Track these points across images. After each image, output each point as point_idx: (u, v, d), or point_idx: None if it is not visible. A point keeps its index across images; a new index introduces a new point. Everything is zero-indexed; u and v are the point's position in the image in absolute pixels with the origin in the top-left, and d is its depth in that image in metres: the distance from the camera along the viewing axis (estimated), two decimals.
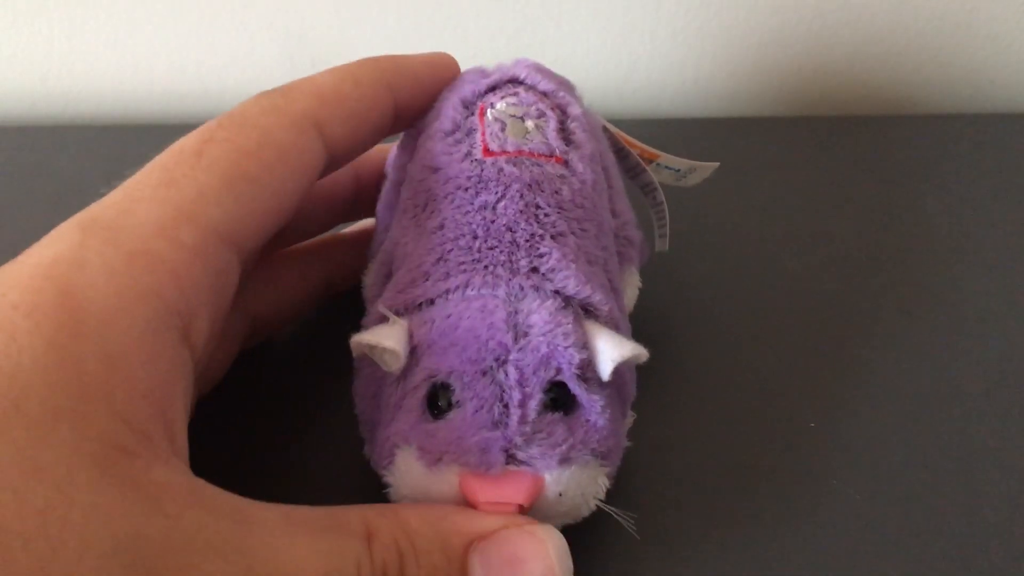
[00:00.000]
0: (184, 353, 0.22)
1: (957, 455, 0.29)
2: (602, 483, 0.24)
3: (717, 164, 0.34)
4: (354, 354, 0.24)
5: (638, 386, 0.27)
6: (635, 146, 0.32)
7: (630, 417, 0.27)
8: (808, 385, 0.32)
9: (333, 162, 0.27)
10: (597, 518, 0.24)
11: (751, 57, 0.50)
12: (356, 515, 0.21)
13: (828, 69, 0.50)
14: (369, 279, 0.29)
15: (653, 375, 0.28)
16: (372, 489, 0.24)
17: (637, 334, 0.27)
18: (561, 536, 0.22)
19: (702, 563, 0.26)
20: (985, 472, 0.29)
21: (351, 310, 0.28)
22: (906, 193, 0.42)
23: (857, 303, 0.36)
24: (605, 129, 0.31)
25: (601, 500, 0.24)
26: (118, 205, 0.22)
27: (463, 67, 0.30)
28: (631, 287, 0.31)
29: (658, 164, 0.33)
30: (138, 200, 0.22)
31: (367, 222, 0.35)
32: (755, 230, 0.40)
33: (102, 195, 0.23)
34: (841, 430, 0.30)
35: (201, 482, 0.20)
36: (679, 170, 0.34)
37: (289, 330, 0.34)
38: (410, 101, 0.28)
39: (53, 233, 0.22)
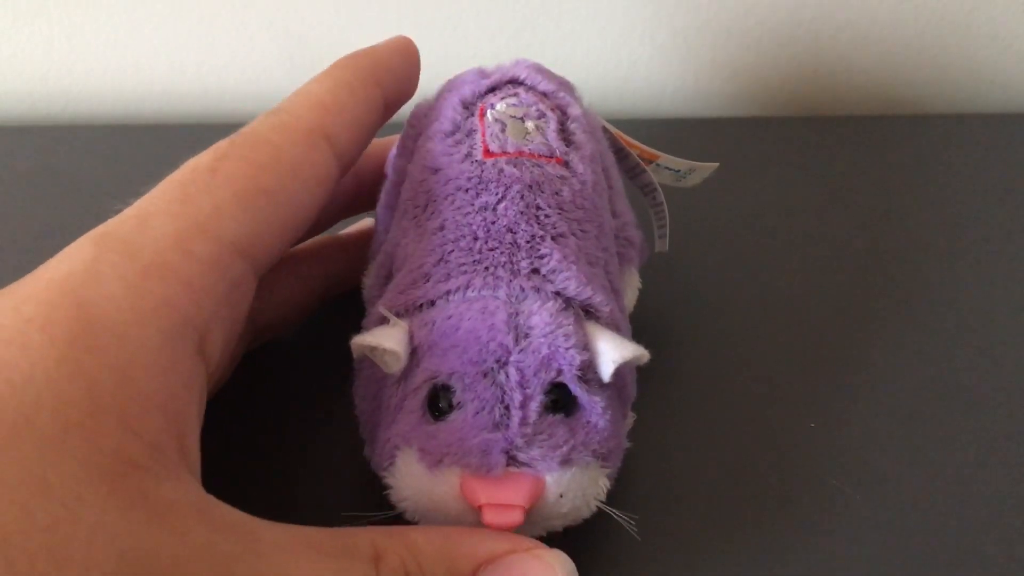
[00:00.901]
0: (199, 365, 0.22)
1: (957, 455, 0.29)
2: (603, 484, 0.24)
3: (717, 165, 0.34)
4: (354, 355, 0.24)
5: (638, 387, 0.27)
6: (635, 147, 0.32)
7: (630, 418, 0.27)
8: (808, 385, 0.32)
9: (343, 170, 0.27)
10: (598, 520, 0.24)
11: (751, 57, 0.50)
12: (364, 537, 0.21)
13: (828, 69, 0.50)
14: (369, 280, 0.29)
15: (653, 376, 0.28)
16: (372, 491, 0.24)
17: (637, 335, 0.27)
18: (569, 560, 0.22)
19: (703, 564, 0.26)
20: (985, 472, 0.29)
21: (351, 311, 0.28)
22: (906, 193, 0.42)
23: (857, 303, 0.36)
24: (605, 130, 0.31)
25: (602, 501, 0.24)
26: (132, 220, 0.22)
27: (463, 67, 0.30)
28: (631, 288, 0.31)
29: (658, 165, 0.33)
30: (152, 215, 0.22)
31: (366, 223, 0.35)
32: (755, 230, 0.40)
33: (116, 212, 0.23)
34: (841, 430, 0.30)
35: (211, 498, 0.20)
36: (679, 171, 0.34)
37: (289, 331, 0.34)
38: (394, 93, 0.28)
39: (67, 248, 0.22)
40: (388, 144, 0.32)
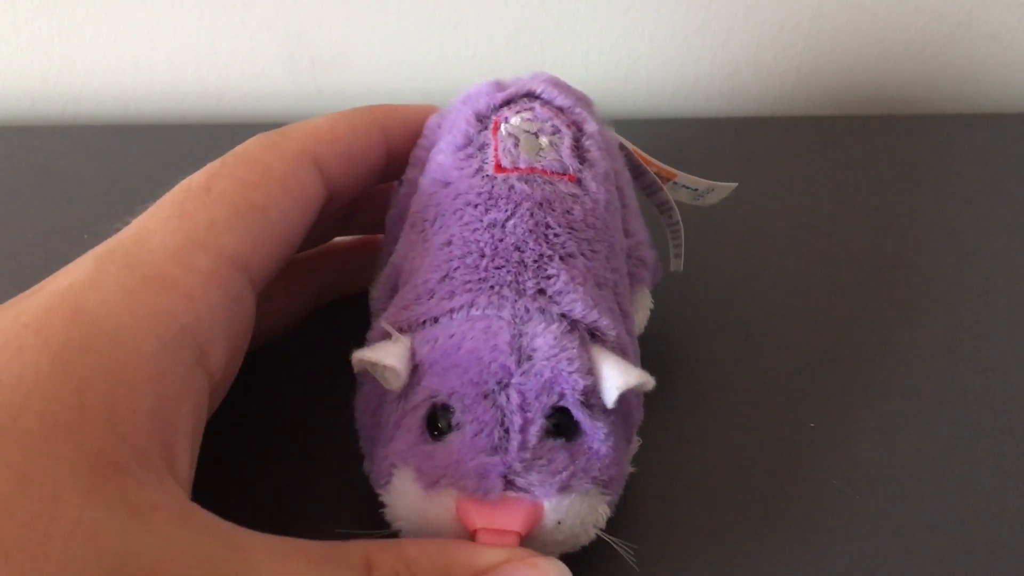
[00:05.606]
0: (198, 375, 0.22)
1: (957, 455, 0.29)
2: (603, 512, 0.23)
3: (735, 185, 0.33)
4: (355, 370, 0.24)
5: (646, 409, 0.26)
6: (652, 164, 0.32)
7: (636, 442, 0.26)
8: (808, 388, 0.32)
9: (332, 199, 0.27)
10: (598, 547, 0.24)
11: (751, 57, 0.50)
12: (356, 548, 0.21)
13: (828, 69, 0.50)
14: (376, 291, 0.28)
15: (662, 398, 0.27)
16: (372, 508, 0.24)
17: (646, 355, 0.27)
18: (566, 568, 0.22)
19: None
20: (985, 472, 0.29)
21: (357, 320, 0.28)
22: (906, 193, 0.42)
23: (857, 303, 0.36)
24: (622, 147, 0.30)
25: (602, 529, 0.23)
26: (132, 236, 0.23)
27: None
28: (642, 308, 0.30)
29: (675, 183, 0.33)
30: (152, 231, 0.23)
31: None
32: (754, 230, 0.40)
33: (116, 231, 0.23)
34: (840, 430, 0.30)
35: (195, 506, 0.20)
36: (697, 189, 0.33)
37: (295, 337, 0.33)
38: (403, 146, 0.29)
39: (70, 264, 0.22)
40: None
